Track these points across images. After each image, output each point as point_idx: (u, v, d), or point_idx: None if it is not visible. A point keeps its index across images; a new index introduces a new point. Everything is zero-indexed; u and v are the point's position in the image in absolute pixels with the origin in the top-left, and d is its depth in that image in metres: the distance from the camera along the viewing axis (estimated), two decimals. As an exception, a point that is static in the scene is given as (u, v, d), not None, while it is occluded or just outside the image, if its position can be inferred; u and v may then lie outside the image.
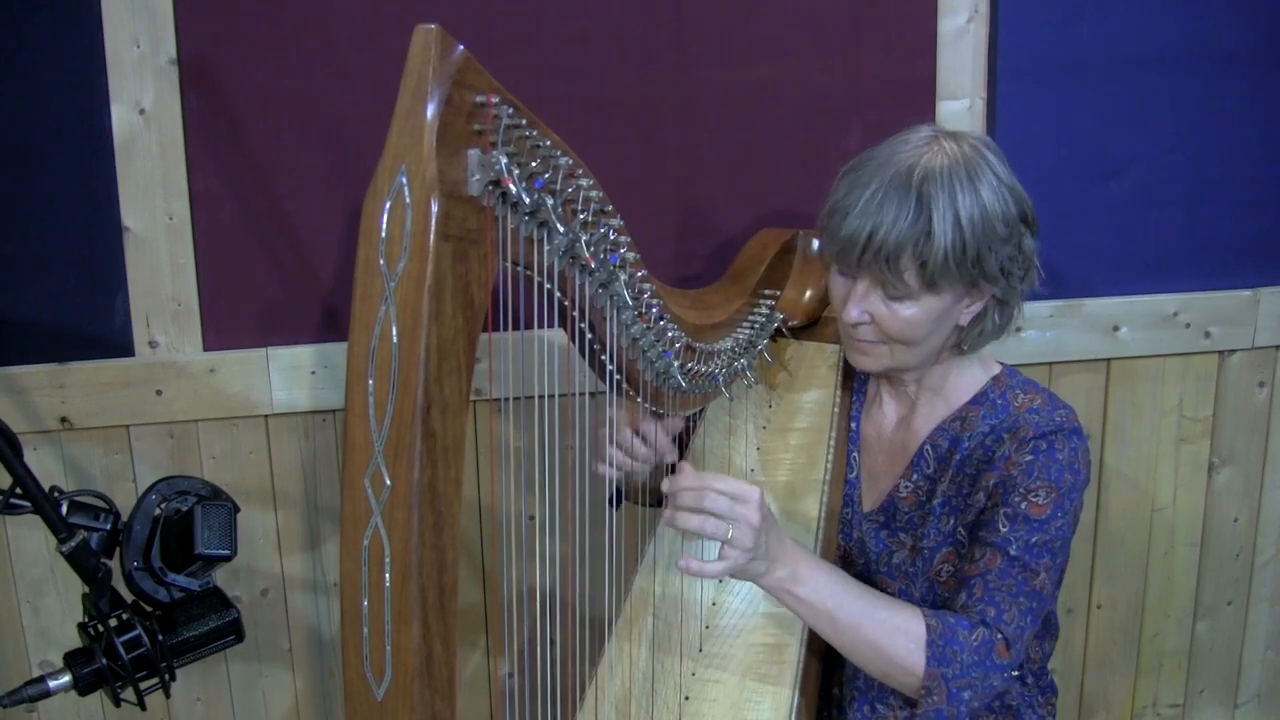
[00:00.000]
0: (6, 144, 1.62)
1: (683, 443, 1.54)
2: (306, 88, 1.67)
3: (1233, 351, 1.98)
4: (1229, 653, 2.12)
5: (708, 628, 1.36)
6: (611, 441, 1.37)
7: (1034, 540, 1.27)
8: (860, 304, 1.29)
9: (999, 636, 1.25)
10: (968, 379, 1.40)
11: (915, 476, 1.40)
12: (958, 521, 1.36)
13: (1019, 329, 1.85)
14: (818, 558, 1.27)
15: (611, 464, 1.37)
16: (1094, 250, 1.90)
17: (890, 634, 1.23)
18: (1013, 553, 1.27)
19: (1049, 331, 1.90)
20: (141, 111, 1.64)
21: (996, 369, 1.41)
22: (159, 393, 1.71)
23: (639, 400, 1.29)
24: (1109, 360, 1.94)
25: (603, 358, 1.18)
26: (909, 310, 1.28)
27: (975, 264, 1.25)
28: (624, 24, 1.72)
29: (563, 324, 1.12)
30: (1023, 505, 1.27)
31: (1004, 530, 1.28)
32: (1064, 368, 1.93)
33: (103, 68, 1.62)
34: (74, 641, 1.22)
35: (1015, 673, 1.28)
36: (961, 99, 1.81)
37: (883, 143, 1.31)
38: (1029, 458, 1.29)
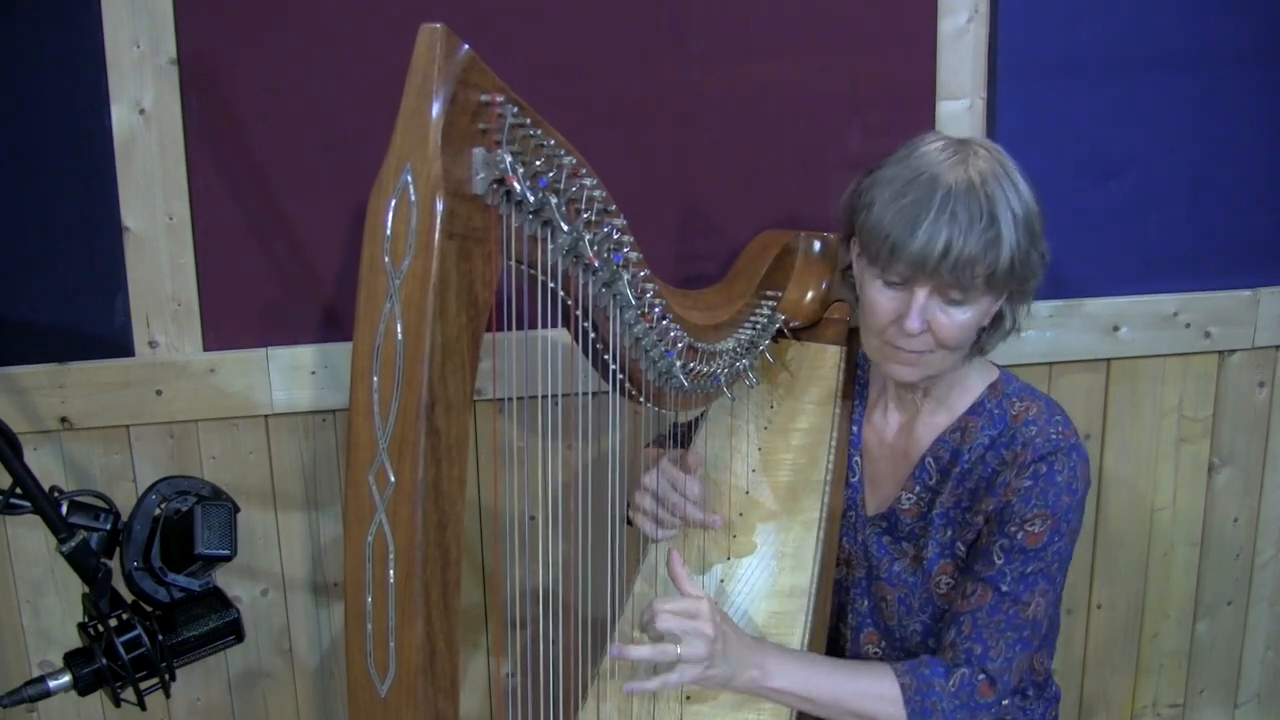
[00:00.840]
0: (6, 144, 1.62)
1: (685, 441, 1.54)
2: (306, 88, 1.67)
3: (1233, 351, 1.98)
4: (1229, 653, 2.13)
5: (709, 627, 1.36)
6: (666, 508, 1.39)
7: (1028, 570, 1.29)
8: (921, 314, 1.28)
9: (981, 676, 1.28)
10: (967, 386, 1.40)
11: (917, 489, 1.40)
12: (955, 535, 1.37)
13: (1019, 329, 1.86)
14: (781, 648, 1.30)
15: (663, 525, 1.40)
16: (1094, 250, 1.90)
17: (869, 702, 1.28)
18: (1004, 588, 1.29)
19: (1049, 331, 1.90)
20: (141, 111, 1.64)
21: (994, 375, 1.42)
22: (159, 393, 1.71)
23: (678, 454, 1.35)
24: (1109, 360, 1.94)
25: (606, 357, 1.18)
26: (965, 315, 1.29)
27: (1025, 263, 1.28)
28: (624, 24, 1.72)
29: (566, 323, 1.12)
30: (1019, 535, 1.29)
31: (998, 563, 1.30)
32: (1064, 368, 1.94)
33: (103, 68, 1.61)
34: (74, 641, 1.22)
35: (1006, 701, 1.31)
36: (961, 99, 1.81)
37: (904, 158, 1.30)
38: (1028, 483, 1.30)
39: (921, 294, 1.28)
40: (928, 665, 1.30)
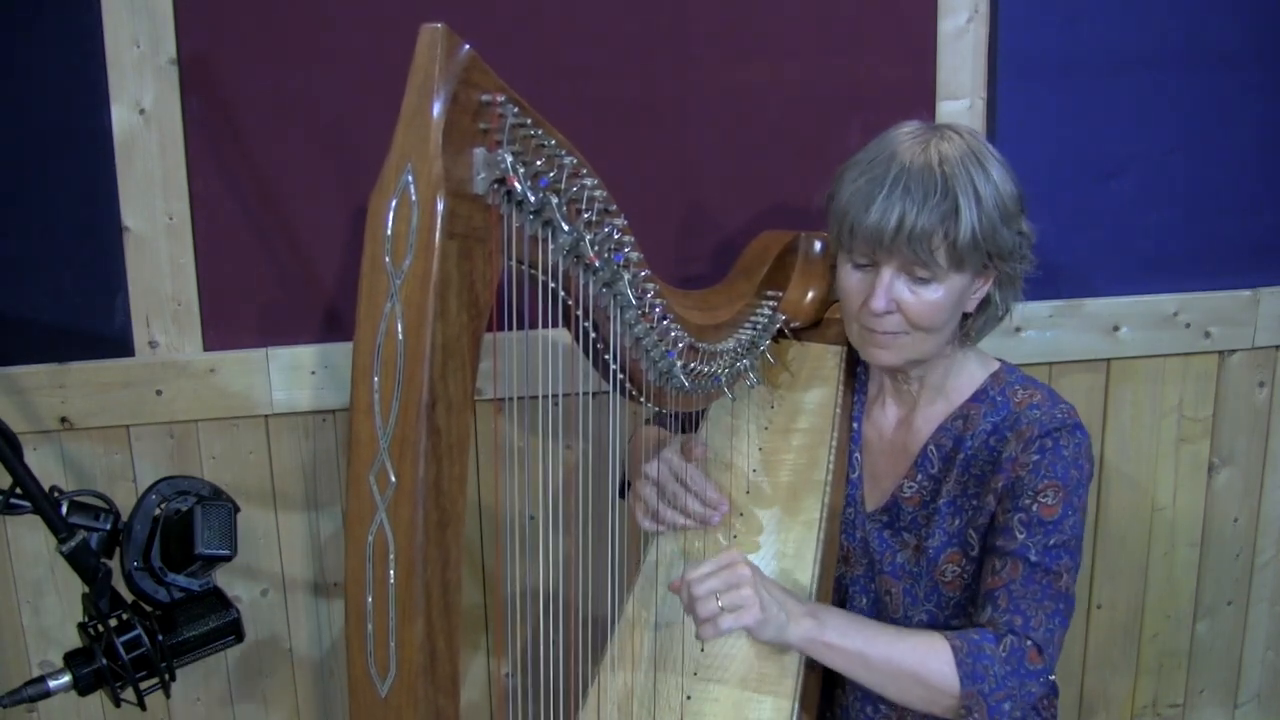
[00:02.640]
0: (6, 144, 1.62)
1: (684, 423, 1.54)
2: (306, 88, 1.67)
3: (1233, 351, 1.98)
4: (1229, 653, 2.13)
5: (710, 627, 1.36)
6: (666, 500, 1.39)
7: (1052, 542, 1.29)
8: (886, 293, 1.30)
9: (1028, 643, 1.27)
10: (967, 376, 1.41)
11: (920, 477, 1.41)
12: (964, 522, 1.36)
13: (1019, 329, 1.87)
14: (829, 606, 1.30)
15: (660, 520, 1.39)
16: (1094, 250, 1.90)
17: (922, 658, 1.25)
18: (1033, 559, 1.28)
19: (1049, 331, 1.90)
20: (141, 111, 1.64)
21: (995, 365, 1.43)
22: (159, 393, 1.71)
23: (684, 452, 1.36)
24: (1109, 360, 1.94)
25: (606, 357, 1.18)
26: (935, 293, 1.30)
27: (993, 241, 1.28)
28: (624, 24, 1.72)
29: (566, 323, 1.12)
30: (1034, 508, 1.29)
31: (1021, 537, 1.29)
32: (1064, 368, 1.94)
33: (103, 68, 1.61)
34: (74, 641, 1.22)
35: (1053, 676, 1.30)
36: (961, 99, 1.81)
37: (877, 142, 1.33)
38: (1035, 457, 1.30)
39: (887, 273, 1.30)
40: (976, 631, 1.28)
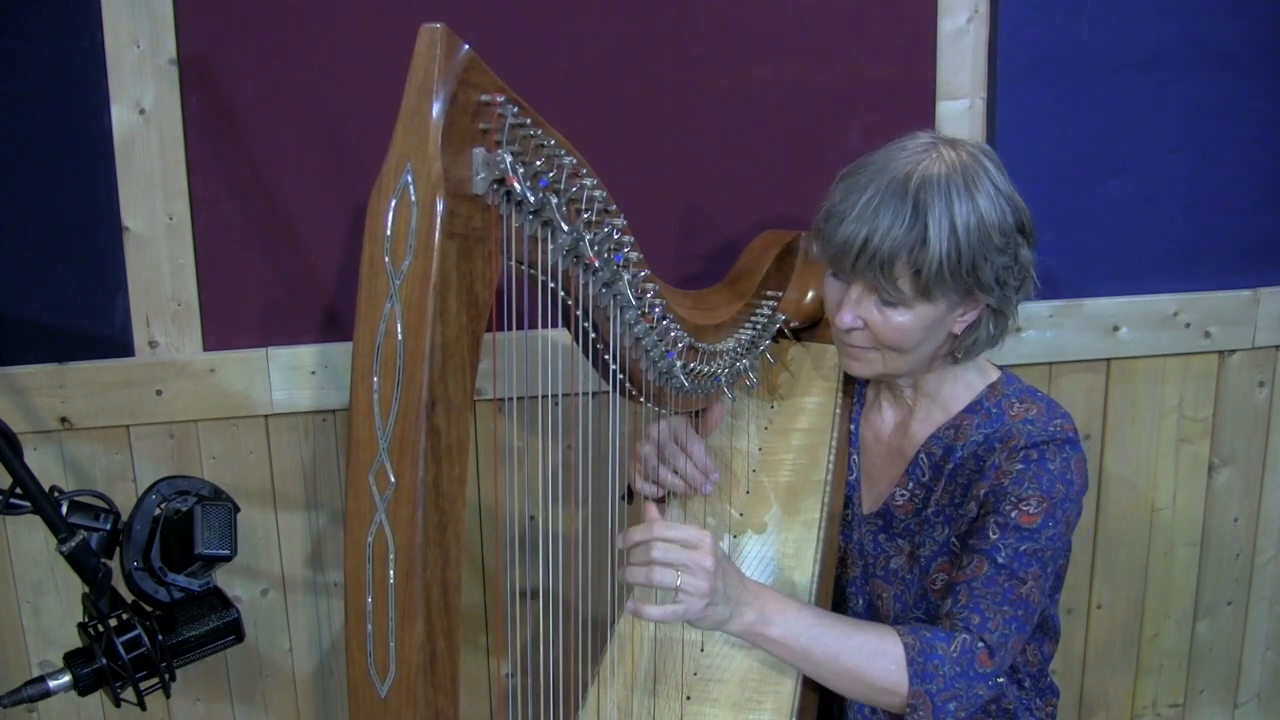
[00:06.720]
0: (6, 144, 1.62)
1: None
2: (306, 88, 1.67)
3: (1233, 351, 1.98)
4: (1229, 653, 2.13)
5: (710, 627, 1.36)
6: (663, 461, 1.38)
7: (1023, 549, 1.27)
8: (854, 309, 1.29)
9: (980, 645, 1.24)
10: (964, 386, 1.39)
11: (911, 485, 1.40)
12: (951, 531, 1.36)
13: (1019, 329, 1.87)
14: (782, 595, 1.25)
15: (658, 484, 1.38)
16: (1094, 250, 1.90)
17: (868, 658, 1.22)
18: (1000, 560, 1.27)
19: (1049, 331, 1.90)
20: (141, 111, 1.64)
21: (994, 376, 1.40)
22: (159, 393, 1.71)
23: (677, 414, 1.34)
24: (1109, 360, 1.94)
25: (606, 357, 1.18)
26: (902, 317, 1.28)
27: (970, 273, 1.25)
28: (624, 24, 1.72)
29: (566, 324, 1.12)
30: (1013, 514, 1.27)
31: (994, 537, 1.28)
32: (1064, 368, 1.94)
33: (103, 68, 1.62)
34: (74, 641, 1.22)
35: (1001, 679, 1.27)
36: (961, 99, 1.81)
37: (881, 148, 1.31)
38: (1019, 467, 1.28)
39: (855, 290, 1.29)
40: (929, 629, 1.26)
